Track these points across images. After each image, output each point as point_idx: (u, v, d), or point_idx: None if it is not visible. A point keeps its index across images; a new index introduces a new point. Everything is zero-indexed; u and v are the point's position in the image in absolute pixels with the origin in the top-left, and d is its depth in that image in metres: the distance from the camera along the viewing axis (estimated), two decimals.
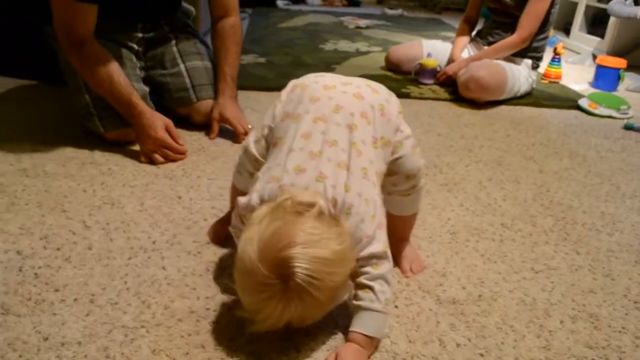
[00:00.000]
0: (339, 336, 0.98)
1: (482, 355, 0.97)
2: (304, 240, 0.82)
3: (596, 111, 2.46)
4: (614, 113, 2.45)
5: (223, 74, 1.86)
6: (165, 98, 1.87)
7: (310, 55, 3.11)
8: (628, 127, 2.31)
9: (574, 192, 1.66)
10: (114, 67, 1.60)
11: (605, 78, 2.91)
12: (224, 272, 1.13)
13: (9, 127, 1.76)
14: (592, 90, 2.83)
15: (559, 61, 2.94)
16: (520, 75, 2.50)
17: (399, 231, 1.21)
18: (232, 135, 1.83)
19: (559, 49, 2.92)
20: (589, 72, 3.16)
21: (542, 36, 2.51)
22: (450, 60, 2.67)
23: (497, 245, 1.33)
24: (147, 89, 1.75)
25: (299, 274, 0.80)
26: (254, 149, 1.08)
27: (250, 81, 2.46)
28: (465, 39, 2.71)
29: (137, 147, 1.65)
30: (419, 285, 1.15)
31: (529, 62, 2.54)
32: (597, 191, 1.68)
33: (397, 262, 1.20)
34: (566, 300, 1.15)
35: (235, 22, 1.89)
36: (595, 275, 1.24)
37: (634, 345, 1.03)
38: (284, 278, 0.81)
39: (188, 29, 1.98)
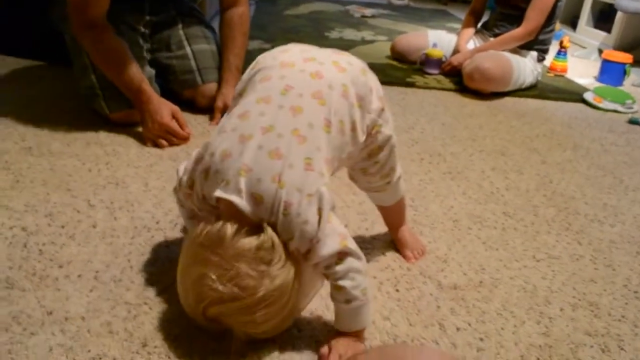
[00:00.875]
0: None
1: (481, 339, 0.98)
2: (220, 297, 0.79)
3: (601, 105, 2.46)
4: (618, 107, 2.45)
5: (228, 63, 1.86)
6: (171, 80, 1.87)
7: (315, 43, 3.03)
8: (633, 122, 2.31)
9: (576, 183, 1.66)
10: (125, 52, 1.61)
11: (611, 72, 2.90)
12: None
13: (14, 106, 1.76)
14: (598, 84, 2.83)
15: (564, 54, 2.93)
16: (526, 68, 2.49)
17: (390, 219, 1.21)
18: None
19: (565, 43, 2.91)
20: (595, 67, 3.15)
21: (548, 29, 2.50)
22: (456, 51, 2.66)
23: (499, 233, 1.33)
24: (153, 71, 1.76)
25: (235, 327, 0.83)
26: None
27: None
28: (470, 31, 2.70)
29: (141, 129, 1.65)
30: (420, 271, 1.15)
31: (534, 54, 2.53)
32: (599, 183, 1.68)
33: (397, 248, 1.21)
34: (567, 288, 1.15)
35: (243, 12, 1.89)
36: (596, 265, 1.25)
37: (633, 333, 1.04)
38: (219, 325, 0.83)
39: (195, 12, 1.98)
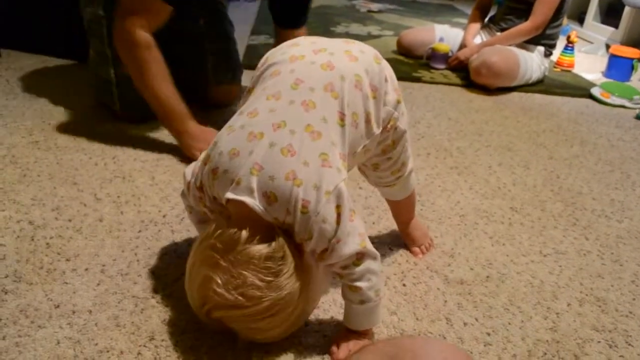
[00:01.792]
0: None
1: (488, 334, 0.98)
2: (224, 303, 0.77)
3: (608, 100, 2.44)
4: (626, 103, 2.43)
5: None
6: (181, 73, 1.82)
7: None
8: None
9: (584, 178, 1.65)
10: (168, 76, 1.49)
11: (619, 68, 2.88)
12: None
13: (21, 100, 1.77)
14: (605, 79, 2.81)
15: (572, 49, 2.91)
16: (533, 63, 2.48)
17: (399, 214, 1.20)
18: None
19: (573, 38, 2.89)
20: (602, 62, 3.13)
21: (555, 24, 2.48)
22: (463, 46, 2.65)
23: (505, 228, 1.33)
24: None
25: (238, 331, 0.83)
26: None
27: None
28: (477, 25, 2.68)
29: (149, 124, 1.65)
30: (427, 265, 1.15)
31: (541, 49, 2.52)
32: (607, 179, 1.67)
33: (404, 242, 1.20)
34: (574, 283, 1.15)
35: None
36: (603, 260, 1.24)
37: None
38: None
39: (219, 6, 1.93)
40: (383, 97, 0.91)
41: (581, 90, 2.58)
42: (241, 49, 2.25)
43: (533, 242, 1.28)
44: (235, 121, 0.86)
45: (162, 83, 1.47)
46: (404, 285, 1.08)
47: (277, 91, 0.85)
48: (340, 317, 0.94)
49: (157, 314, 0.94)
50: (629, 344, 0.99)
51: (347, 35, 3.25)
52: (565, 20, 3.69)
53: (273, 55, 0.94)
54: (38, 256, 1.06)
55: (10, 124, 1.60)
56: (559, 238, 1.31)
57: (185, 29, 1.80)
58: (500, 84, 2.40)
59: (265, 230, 0.78)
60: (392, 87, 0.94)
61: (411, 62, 2.73)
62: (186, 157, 1.48)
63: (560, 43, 2.77)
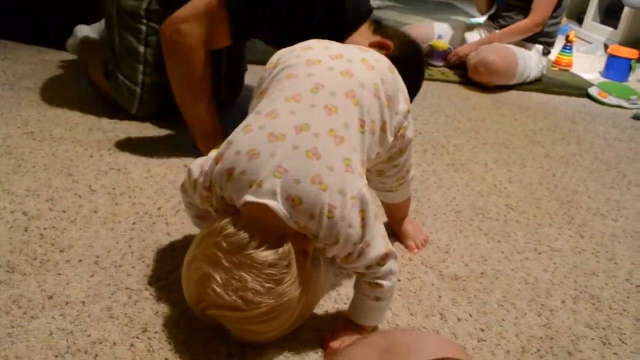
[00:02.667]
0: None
1: (482, 330, 0.98)
2: (221, 303, 0.77)
3: (606, 100, 2.45)
4: (623, 103, 2.44)
5: None
6: None
7: None
8: (637, 117, 2.30)
9: (579, 177, 1.65)
10: (210, 89, 1.38)
11: (616, 68, 2.89)
12: None
13: (16, 91, 1.76)
14: (603, 79, 2.82)
15: (570, 49, 2.92)
16: (531, 61, 2.48)
17: (395, 214, 1.21)
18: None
19: (571, 37, 2.89)
20: (600, 62, 3.14)
21: (554, 22, 2.48)
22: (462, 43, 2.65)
23: (500, 225, 1.33)
24: None
25: (232, 331, 0.83)
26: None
27: (261, 56, 2.44)
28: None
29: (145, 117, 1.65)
30: (422, 261, 1.15)
31: (539, 47, 2.52)
32: (603, 178, 1.67)
33: (400, 240, 1.20)
34: (568, 281, 1.15)
35: None
36: (598, 258, 1.25)
37: (635, 327, 1.04)
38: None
39: None
40: (396, 106, 0.92)
41: (579, 89, 2.59)
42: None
43: (528, 239, 1.29)
44: (253, 121, 0.83)
45: (203, 96, 1.36)
46: (398, 280, 1.07)
47: (296, 93, 0.84)
48: (334, 312, 0.94)
49: (151, 305, 0.94)
50: (623, 342, 1.00)
51: None
52: (564, 20, 3.69)
53: (285, 57, 0.93)
54: (31, 247, 1.06)
55: (6, 114, 1.59)
56: (554, 236, 1.31)
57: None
58: (498, 82, 2.40)
59: (275, 235, 0.77)
60: (403, 97, 0.95)
61: None
62: (188, 151, 1.48)
63: (559, 42, 2.77)
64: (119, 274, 1.01)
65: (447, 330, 0.97)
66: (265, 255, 0.76)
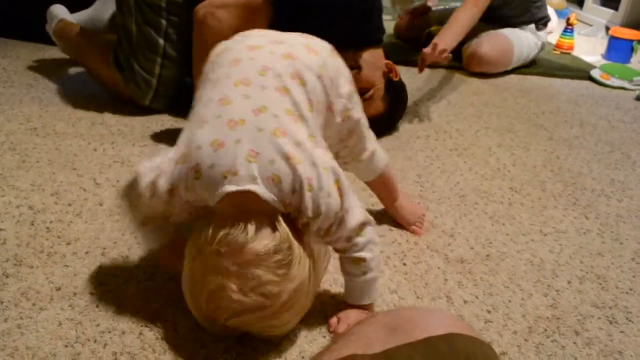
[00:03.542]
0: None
1: (489, 312, 0.98)
2: (244, 308, 0.76)
3: (608, 82, 2.43)
4: (626, 84, 2.42)
5: None
6: None
7: None
8: None
9: (583, 159, 1.65)
10: None
11: (618, 50, 2.86)
12: None
13: (17, 88, 1.76)
14: (605, 61, 2.80)
15: (571, 32, 2.89)
16: (528, 41, 2.43)
17: (380, 195, 1.21)
18: None
19: (572, 20, 2.87)
20: (602, 44, 3.11)
21: (538, 4, 2.42)
22: None
23: (505, 208, 1.33)
24: None
25: (256, 333, 0.83)
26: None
27: None
28: None
29: (147, 109, 1.65)
30: (428, 245, 1.15)
31: (532, 27, 2.46)
32: (607, 159, 1.67)
33: (397, 221, 1.21)
34: (574, 261, 1.15)
35: None
36: (603, 238, 1.25)
37: None
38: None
39: None
40: (338, 89, 0.92)
41: (581, 72, 2.57)
42: None
43: (533, 221, 1.29)
44: (205, 111, 0.83)
45: None
46: (404, 264, 1.08)
47: (244, 77, 0.84)
48: (340, 296, 0.94)
49: (159, 295, 0.95)
50: (630, 320, 1.00)
51: None
52: (564, 3, 3.67)
53: (225, 44, 0.94)
54: (38, 240, 1.06)
55: (8, 111, 1.59)
56: (559, 217, 1.31)
57: None
58: (495, 70, 2.37)
59: (265, 221, 0.77)
60: (346, 79, 0.95)
61: (409, 46, 2.72)
62: None
63: (560, 26, 2.75)
64: (125, 265, 1.02)
65: (453, 312, 0.97)
66: (265, 243, 0.75)
